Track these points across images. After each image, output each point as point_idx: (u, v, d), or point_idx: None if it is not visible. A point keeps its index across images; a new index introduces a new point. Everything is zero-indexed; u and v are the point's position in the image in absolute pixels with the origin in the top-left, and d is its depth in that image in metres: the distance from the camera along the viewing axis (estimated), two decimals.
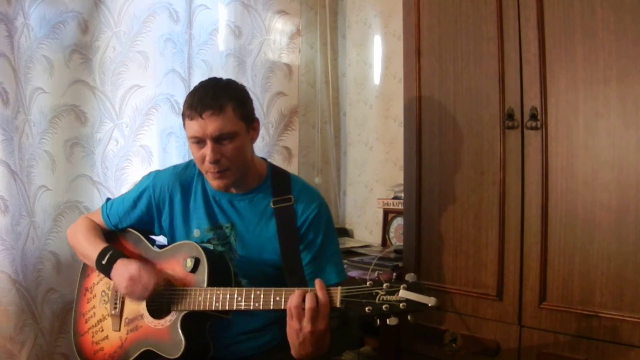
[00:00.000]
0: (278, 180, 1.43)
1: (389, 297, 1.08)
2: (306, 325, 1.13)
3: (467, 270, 1.63)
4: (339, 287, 1.13)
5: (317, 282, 1.16)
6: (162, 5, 1.96)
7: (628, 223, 1.32)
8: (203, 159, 1.30)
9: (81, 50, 1.82)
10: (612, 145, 1.35)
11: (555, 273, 1.44)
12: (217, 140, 1.28)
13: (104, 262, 1.36)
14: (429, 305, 1.04)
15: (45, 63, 1.76)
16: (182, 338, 1.26)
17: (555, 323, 1.43)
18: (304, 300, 1.14)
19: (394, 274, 1.12)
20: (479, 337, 1.58)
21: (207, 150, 1.28)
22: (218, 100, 1.27)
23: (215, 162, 1.29)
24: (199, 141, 1.29)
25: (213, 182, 1.35)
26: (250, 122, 1.35)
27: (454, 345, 1.61)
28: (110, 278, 1.36)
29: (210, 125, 1.26)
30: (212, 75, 2.12)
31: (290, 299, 1.15)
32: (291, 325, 1.15)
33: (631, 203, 1.32)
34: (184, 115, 1.32)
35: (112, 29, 1.86)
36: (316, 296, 1.14)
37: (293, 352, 1.18)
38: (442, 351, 1.64)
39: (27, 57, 1.72)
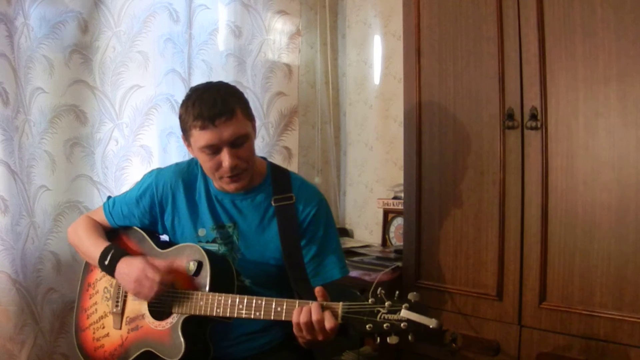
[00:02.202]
0: (278, 179, 1.43)
1: (391, 316, 1.08)
2: (306, 336, 1.17)
3: (467, 270, 1.63)
4: (340, 303, 1.14)
5: (317, 306, 1.16)
6: (162, 5, 1.96)
7: (628, 223, 1.32)
8: (218, 167, 1.29)
9: (81, 50, 1.82)
10: (612, 145, 1.35)
11: (555, 273, 1.44)
12: (233, 144, 1.27)
13: (106, 262, 1.36)
14: (431, 327, 1.05)
15: (45, 63, 1.76)
16: (183, 341, 1.26)
17: (555, 323, 1.43)
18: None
19: (397, 292, 1.12)
20: (479, 337, 1.58)
21: (225, 156, 1.27)
22: (228, 105, 1.26)
23: (234, 167, 1.29)
24: (213, 149, 1.28)
25: (230, 186, 1.34)
26: (252, 121, 1.37)
27: (454, 345, 1.61)
28: (114, 277, 1.36)
29: (225, 131, 1.25)
30: (212, 75, 2.14)
31: (301, 315, 1.16)
32: (295, 331, 1.19)
33: (631, 203, 1.32)
34: (189, 127, 1.28)
35: (112, 29, 1.86)
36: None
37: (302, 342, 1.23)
38: (442, 351, 1.64)
39: (27, 57, 1.72)
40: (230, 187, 1.34)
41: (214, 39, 2.16)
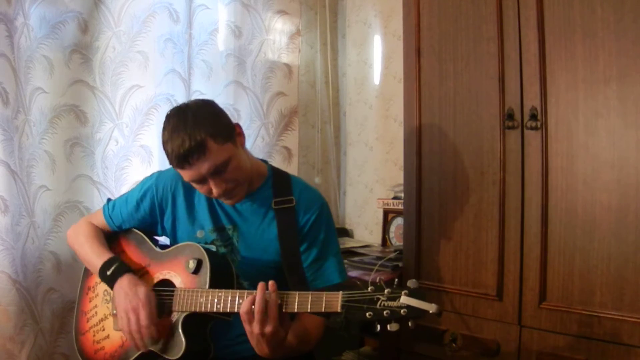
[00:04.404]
0: (279, 182, 1.43)
1: (390, 303, 1.07)
2: (255, 328, 1.16)
3: (467, 270, 1.63)
4: (340, 292, 1.13)
5: (270, 285, 1.17)
6: (162, 5, 1.96)
7: (628, 223, 1.32)
8: (209, 192, 1.31)
9: (81, 50, 1.82)
10: (612, 145, 1.35)
11: (555, 273, 1.44)
12: (215, 174, 1.27)
13: (108, 273, 1.35)
14: (430, 312, 1.05)
15: (45, 63, 1.76)
16: (183, 339, 1.26)
17: (555, 323, 1.43)
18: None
19: (396, 280, 1.11)
20: (479, 337, 1.58)
21: (211, 185, 1.28)
22: (196, 141, 1.22)
23: (223, 192, 1.29)
24: (199, 181, 1.29)
25: (227, 202, 1.36)
26: (232, 135, 1.31)
27: (454, 345, 1.61)
28: (112, 289, 1.36)
29: (202, 167, 1.24)
30: (212, 75, 2.14)
31: (242, 305, 1.17)
32: (246, 329, 1.19)
33: (631, 203, 1.32)
34: (170, 162, 1.28)
35: (112, 29, 1.86)
36: (265, 299, 1.16)
37: (256, 351, 1.22)
38: (442, 351, 1.64)
39: (27, 57, 1.72)
40: (228, 202, 1.37)
41: (214, 39, 2.16)
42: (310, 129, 2.65)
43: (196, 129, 1.23)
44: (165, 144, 1.27)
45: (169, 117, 1.30)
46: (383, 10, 2.52)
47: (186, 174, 1.28)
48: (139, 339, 1.26)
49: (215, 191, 1.28)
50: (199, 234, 1.41)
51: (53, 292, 1.78)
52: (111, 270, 1.35)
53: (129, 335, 1.28)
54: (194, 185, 1.32)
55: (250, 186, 1.40)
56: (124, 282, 1.32)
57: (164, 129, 1.28)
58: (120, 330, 1.38)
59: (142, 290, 1.29)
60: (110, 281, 1.35)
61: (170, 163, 1.29)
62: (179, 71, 2.02)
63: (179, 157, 1.23)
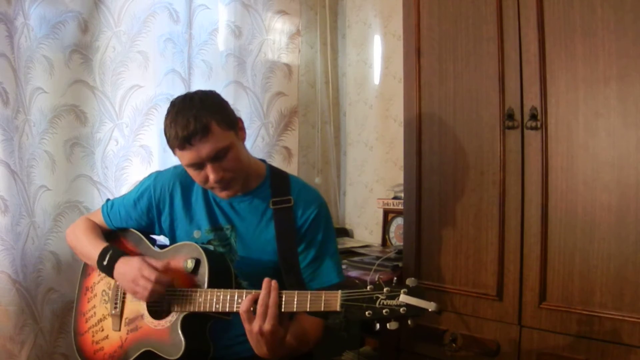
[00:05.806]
0: (277, 182, 1.43)
1: (390, 302, 1.08)
2: (255, 326, 1.16)
3: (467, 270, 1.63)
4: (339, 291, 1.13)
5: (273, 283, 1.18)
6: (162, 5, 1.96)
7: (628, 223, 1.32)
8: (206, 180, 1.30)
9: (81, 50, 1.82)
10: (612, 145, 1.35)
11: (555, 273, 1.44)
12: (215, 159, 1.27)
13: (105, 262, 1.36)
14: (429, 310, 1.05)
15: (45, 63, 1.76)
16: (182, 339, 1.26)
17: (555, 323, 1.43)
18: (255, 303, 1.18)
19: (395, 278, 1.11)
20: (479, 337, 1.58)
21: (208, 171, 1.28)
22: (201, 123, 1.24)
23: (220, 180, 1.29)
24: (197, 166, 1.29)
25: (221, 194, 1.35)
26: (235, 126, 1.33)
27: (454, 345, 1.61)
28: (113, 278, 1.36)
29: (203, 149, 1.25)
30: (212, 75, 2.14)
31: (242, 303, 1.18)
32: (245, 328, 1.19)
33: (631, 203, 1.32)
34: (171, 146, 1.29)
35: (112, 29, 1.86)
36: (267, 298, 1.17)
37: (255, 351, 1.22)
38: (442, 351, 1.64)
39: (27, 57, 1.72)
40: (222, 194, 1.35)
41: (214, 39, 2.16)
42: (310, 129, 2.65)
43: (202, 111, 1.25)
44: (167, 127, 1.28)
45: (174, 103, 1.31)
46: (383, 10, 2.52)
47: (185, 156, 1.27)
48: (156, 293, 1.29)
49: (211, 177, 1.28)
50: (196, 234, 1.42)
51: (53, 292, 1.78)
52: (107, 258, 1.36)
53: (148, 296, 1.29)
54: (190, 172, 1.32)
55: (249, 185, 1.40)
56: (120, 265, 1.34)
57: (168, 113, 1.29)
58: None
59: (136, 259, 1.33)
60: (109, 269, 1.36)
61: (172, 146, 1.29)
62: (179, 71, 2.02)
63: (182, 137, 1.24)
